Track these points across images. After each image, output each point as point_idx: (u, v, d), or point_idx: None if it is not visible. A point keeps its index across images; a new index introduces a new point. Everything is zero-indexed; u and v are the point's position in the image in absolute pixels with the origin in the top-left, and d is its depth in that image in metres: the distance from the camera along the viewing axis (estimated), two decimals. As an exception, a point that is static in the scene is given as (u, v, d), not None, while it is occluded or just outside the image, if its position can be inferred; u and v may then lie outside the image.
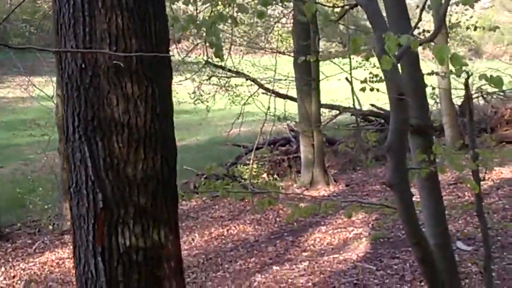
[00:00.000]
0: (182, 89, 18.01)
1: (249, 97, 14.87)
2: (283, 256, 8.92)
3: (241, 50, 18.75)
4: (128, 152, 3.38)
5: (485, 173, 5.16)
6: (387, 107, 7.58)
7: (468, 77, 4.37)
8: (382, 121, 14.90)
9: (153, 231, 3.42)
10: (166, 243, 3.47)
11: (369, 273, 7.53)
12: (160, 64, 3.53)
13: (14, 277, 9.24)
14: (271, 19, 17.04)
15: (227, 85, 16.81)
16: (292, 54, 14.08)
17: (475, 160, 4.39)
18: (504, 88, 4.78)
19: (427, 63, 11.00)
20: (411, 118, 4.24)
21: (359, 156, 13.88)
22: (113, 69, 3.35)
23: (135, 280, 3.38)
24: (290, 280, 7.72)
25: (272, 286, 7.65)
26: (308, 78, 12.62)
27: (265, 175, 13.58)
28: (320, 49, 15.83)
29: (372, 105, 14.91)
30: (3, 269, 9.57)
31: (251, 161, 13.12)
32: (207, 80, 16.12)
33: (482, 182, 4.71)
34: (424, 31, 9.28)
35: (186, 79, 15.78)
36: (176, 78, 16.14)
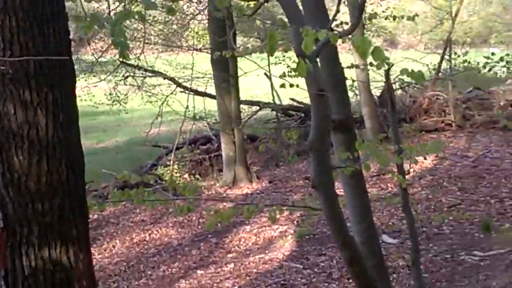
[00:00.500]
0: (98, 91, 17.52)
1: (167, 96, 14.59)
2: (208, 259, 8.71)
3: (156, 48, 18.38)
4: (30, 164, 3.14)
5: (410, 166, 5.10)
6: (307, 100, 7.46)
7: (389, 68, 4.28)
8: (303, 115, 14.88)
9: (61, 250, 3.19)
10: (76, 261, 3.23)
11: (296, 272, 7.41)
12: (61, 67, 3.28)
13: None
14: (187, 17, 16.72)
15: (144, 85, 16.40)
16: (209, 51, 13.84)
17: (399, 154, 4.31)
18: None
19: (344, 55, 10.96)
20: (332, 114, 4.11)
21: (281, 152, 13.78)
22: (9, 76, 3.07)
23: (43, 305, 3.12)
24: (215, 284, 7.52)
25: (197, 291, 7.46)
26: (226, 75, 12.42)
27: (186, 175, 13.30)
28: (238, 45, 15.69)
29: (292, 99, 14.88)
30: None
31: (171, 162, 12.84)
32: (122, 80, 15.67)
33: (405, 174, 4.64)
34: (342, 23, 9.20)
35: (101, 80, 15.34)
36: (91, 80, 15.77)
